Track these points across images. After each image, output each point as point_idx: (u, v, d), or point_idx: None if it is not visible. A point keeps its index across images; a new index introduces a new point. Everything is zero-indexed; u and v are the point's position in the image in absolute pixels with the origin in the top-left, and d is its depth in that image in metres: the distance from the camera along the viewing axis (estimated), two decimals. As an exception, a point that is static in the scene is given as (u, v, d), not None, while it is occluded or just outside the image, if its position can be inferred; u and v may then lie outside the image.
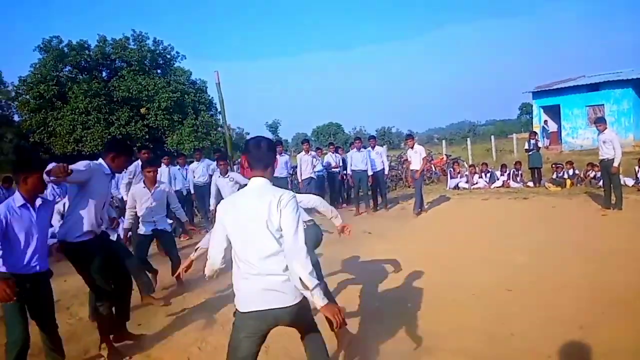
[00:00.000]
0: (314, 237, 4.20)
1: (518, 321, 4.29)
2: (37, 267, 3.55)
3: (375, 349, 3.94)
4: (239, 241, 2.59)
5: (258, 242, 2.53)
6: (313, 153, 11.90)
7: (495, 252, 6.68)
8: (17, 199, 3.46)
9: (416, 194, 10.55)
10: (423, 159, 10.56)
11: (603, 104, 24.26)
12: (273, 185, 2.68)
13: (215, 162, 10.84)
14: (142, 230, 6.02)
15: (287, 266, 2.51)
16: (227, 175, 7.89)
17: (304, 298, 2.57)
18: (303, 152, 11.40)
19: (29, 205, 3.50)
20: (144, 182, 5.98)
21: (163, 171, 10.60)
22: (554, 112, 26.46)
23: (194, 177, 10.65)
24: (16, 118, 49.69)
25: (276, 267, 2.53)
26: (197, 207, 11.60)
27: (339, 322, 2.48)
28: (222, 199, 7.87)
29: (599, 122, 9.35)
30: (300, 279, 2.44)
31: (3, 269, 3.34)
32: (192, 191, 10.65)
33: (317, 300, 2.45)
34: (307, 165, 11.14)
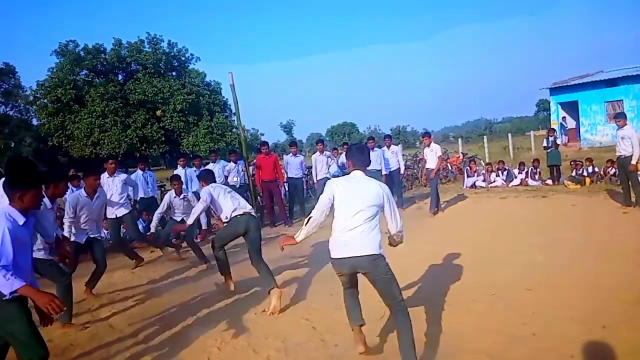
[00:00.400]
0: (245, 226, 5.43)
1: (539, 321, 4.24)
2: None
3: (395, 350, 3.92)
4: (343, 208, 3.57)
5: (357, 211, 3.51)
6: (328, 153, 11.90)
7: (514, 252, 6.61)
8: (18, 216, 3.14)
9: (432, 193, 10.48)
10: (439, 157, 10.48)
11: (622, 100, 23.86)
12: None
13: (230, 163, 10.91)
14: (78, 238, 5.82)
15: (369, 229, 3.54)
16: (181, 197, 7.89)
17: (379, 256, 3.56)
18: (318, 153, 11.41)
19: (27, 221, 3.23)
20: (85, 190, 5.88)
21: (179, 173, 10.70)
22: (572, 109, 26.10)
23: (211, 178, 10.71)
24: (35, 122, 50.55)
25: (359, 229, 3.51)
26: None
27: None
28: (171, 216, 7.80)
29: (619, 118, 9.20)
30: (402, 237, 3.85)
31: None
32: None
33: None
34: (322, 165, 11.14)
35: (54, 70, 41.63)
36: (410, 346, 3.45)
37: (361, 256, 3.48)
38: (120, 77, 45.30)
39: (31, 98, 45.28)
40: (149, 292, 6.34)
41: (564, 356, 3.59)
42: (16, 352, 3.22)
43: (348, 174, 3.76)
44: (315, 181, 11.28)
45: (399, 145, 13.45)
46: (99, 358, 4.36)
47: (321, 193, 3.72)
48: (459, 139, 24.32)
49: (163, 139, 42.70)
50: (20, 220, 3.14)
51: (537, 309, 4.52)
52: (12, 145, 53.05)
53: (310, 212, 3.69)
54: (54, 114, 41.49)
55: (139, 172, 9.97)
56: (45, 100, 41.74)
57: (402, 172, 12.16)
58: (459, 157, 17.66)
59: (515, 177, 13.93)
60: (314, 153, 11.99)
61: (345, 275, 3.71)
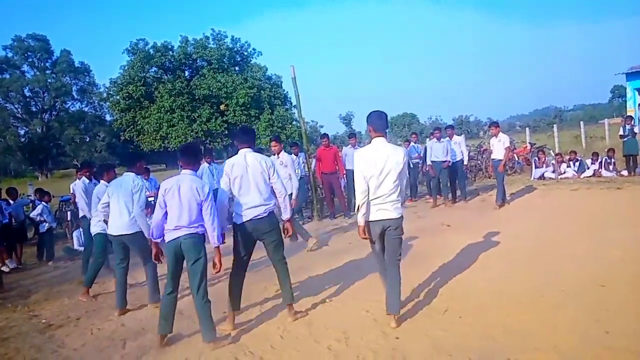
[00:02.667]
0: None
1: (613, 319, 4.02)
2: None
3: (459, 346, 3.85)
4: (375, 178, 4.21)
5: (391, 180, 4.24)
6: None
7: (586, 246, 6.28)
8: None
9: (498, 185, 10.15)
10: (506, 148, 10.12)
11: None
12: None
13: (291, 156, 11.01)
14: None
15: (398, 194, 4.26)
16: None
17: (400, 217, 4.27)
18: None
19: None
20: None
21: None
22: (650, 95, 24.37)
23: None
24: (108, 117, 53.45)
25: (392, 197, 4.24)
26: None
27: None
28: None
29: None
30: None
31: None
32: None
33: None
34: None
35: (126, 68, 43.73)
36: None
37: (390, 219, 4.28)
38: (186, 73, 46.92)
39: (104, 95, 47.83)
40: (213, 280, 6.54)
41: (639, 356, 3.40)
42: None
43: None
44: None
45: (462, 136, 13.07)
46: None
47: None
48: (527, 128, 23.34)
49: (226, 132, 43.87)
50: None
51: (611, 306, 4.28)
52: (88, 139, 56.40)
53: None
54: (125, 109, 43.62)
55: (205, 164, 10.27)
56: (118, 97, 43.95)
57: (465, 162, 11.85)
58: (527, 147, 16.99)
59: (588, 168, 13.24)
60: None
61: (377, 236, 4.36)
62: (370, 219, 4.27)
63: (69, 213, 10.88)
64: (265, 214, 4.58)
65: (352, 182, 11.14)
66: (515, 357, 3.56)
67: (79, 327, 5.30)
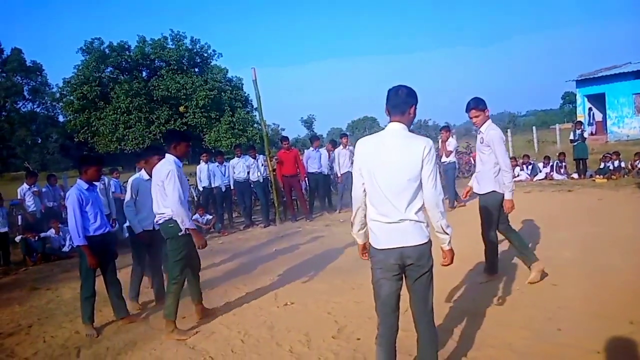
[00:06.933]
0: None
1: (564, 317, 4.17)
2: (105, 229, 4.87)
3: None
4: (379, 186, 2.88)
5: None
6: (351, 147, 11.88)
7: (539, 247, 6.52)
8: (82, 184, 4.76)
9: (449, 188, 10.39)
10: (449, 151, 10.56)
11: (651, 92, 23.26)
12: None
13: (250, 159, 10.93)
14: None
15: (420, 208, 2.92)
16: None
17: (428, 242, 3.12)
18: (341, 147, 11.40)
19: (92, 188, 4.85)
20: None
21: (202, 168, 10.82)
22: (598, 101, 25.57)
23: (234, 172, 10.81)
24: (61, 118, 51.65)
25: (413, 213, 2.95)
26: (235, 202, 11.78)
27: None
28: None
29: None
30: None
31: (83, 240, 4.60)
32: (232, 187, 10.82)
33: None
34: (345, 159, 11.13)
35: (80, 67, 42.42)
36: None
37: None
38: (144, 73, 45.93)
39: (57, 95, 46.25)
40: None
41: (589, 352, 3.53)
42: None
43: None
44: (338, 175, 11.25)
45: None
46: (124, 347, 4.45)
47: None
48: (482, 133, 23.97)
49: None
50: (84, 186, 4.77)
51: (563, 304, 4.45)
52: (39, 141, 54.35)
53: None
54: (79, 110, 42.30)
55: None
56: (72, 97, 42.57)
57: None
58: (482, 151, 17.47)
59: (540, 171, 13.73)
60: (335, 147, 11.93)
61: None
62: (378, 246, 2.89)
63: (19, 217, 10.45)
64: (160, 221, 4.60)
65: (314, 185, 11.36)
66: (471, 355, 3.65)
67: (30, 335, 5.09)
